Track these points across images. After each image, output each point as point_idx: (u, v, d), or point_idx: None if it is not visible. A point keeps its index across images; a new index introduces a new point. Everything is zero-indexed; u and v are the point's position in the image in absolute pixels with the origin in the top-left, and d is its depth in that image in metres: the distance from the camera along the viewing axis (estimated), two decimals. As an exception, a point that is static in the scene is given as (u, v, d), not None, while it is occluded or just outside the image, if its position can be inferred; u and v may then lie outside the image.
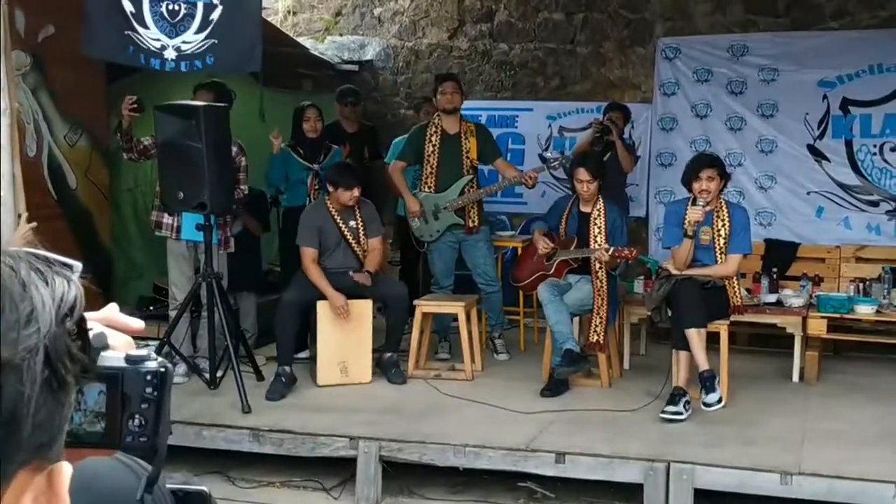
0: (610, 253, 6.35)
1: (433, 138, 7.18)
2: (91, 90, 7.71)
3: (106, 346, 0.87)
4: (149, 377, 0.88)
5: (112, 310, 0.94)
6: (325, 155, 7.36)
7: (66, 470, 0.69)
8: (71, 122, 7.53)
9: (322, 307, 6.53)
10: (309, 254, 6.56)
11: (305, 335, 7.02)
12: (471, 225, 7.18)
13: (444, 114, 7.20)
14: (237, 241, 7.02)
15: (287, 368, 6.45)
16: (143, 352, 0.89)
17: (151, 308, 7.49)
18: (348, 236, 6.66)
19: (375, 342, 6.71)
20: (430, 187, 7.23)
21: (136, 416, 0.88)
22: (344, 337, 6.55)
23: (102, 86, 7.88)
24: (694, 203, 6.20)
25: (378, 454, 5.51)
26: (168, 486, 1.07)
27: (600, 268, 6.45)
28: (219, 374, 6.37)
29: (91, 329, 0.85)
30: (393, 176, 7.39)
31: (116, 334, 0.90)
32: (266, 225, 7.95)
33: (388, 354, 6.71)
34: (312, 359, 6.82)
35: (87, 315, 0.88)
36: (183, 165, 5.97)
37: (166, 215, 6.60)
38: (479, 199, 7.22)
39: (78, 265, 0.73)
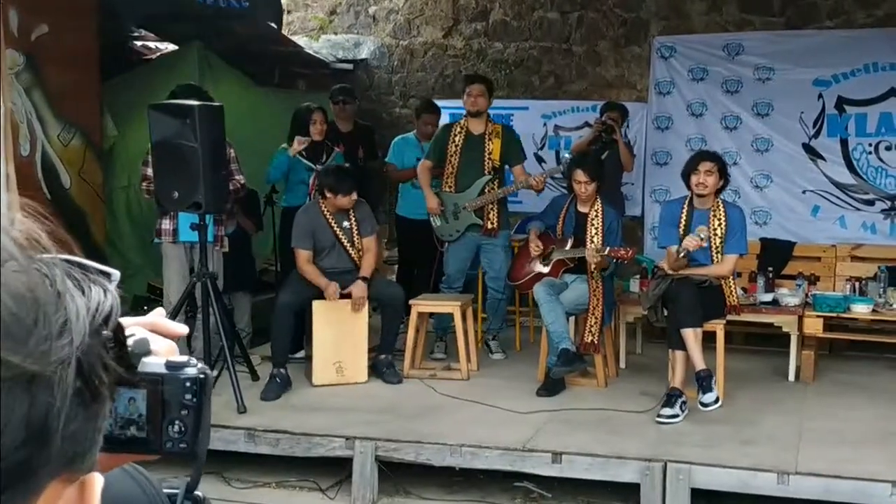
0: (606, 252, 6.33)
1: (457, 138, 7.18)
2: (85, 89, 7.68)
3: (148, 352, 0.87)
4: (188, 384, 0.88)
5: (158, 315, 0.94)
6: (328, 156, 7.33)
7: (98, 481, 0.69)
8: (64, 121, 7.49)
9: (317, 307, 6.51)
10: (303, 255, 6.54)
11: (301, 335, 6.99)
12: (489, 227, 7.15)
13: (470, 116, 7.18)
14: (231, 240, 7.00)
15: (283, 370, 6.43)
16: (184, 358, 0.89)
17: (146, 308, 7.36)
18: (342, 237, 6.63)
19: (371, 342, 6.69)
20: (450, 187, 7.22)
21: (177, 421, 0.88)
22: (340, 337, 6.54)
23: (96, 85, 7.84)
24: (690, 203, 6.19)
25: (374, 454, 5.50)
26: (165, 490, 1.06)
27: (595, 268, 6.43)
28: (214, 373, 6.35)
29: (133, 335, 0.85)
30: (420, 175, 7.38)
31: (160, 339, 0.90)
32: (259, 224, 7.93)
33: (383, 356, 6.69)
34: (308, 359, 6.80)
35: (133, 320, 0.90)
36: (178, 165, 5.94)
37: (165, 221, 6.59)
38: (497, 199, 7.18)
39: (116, 273, 0.72)
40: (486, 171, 7.15)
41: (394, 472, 5.59)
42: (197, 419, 0.89)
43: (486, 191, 7.14)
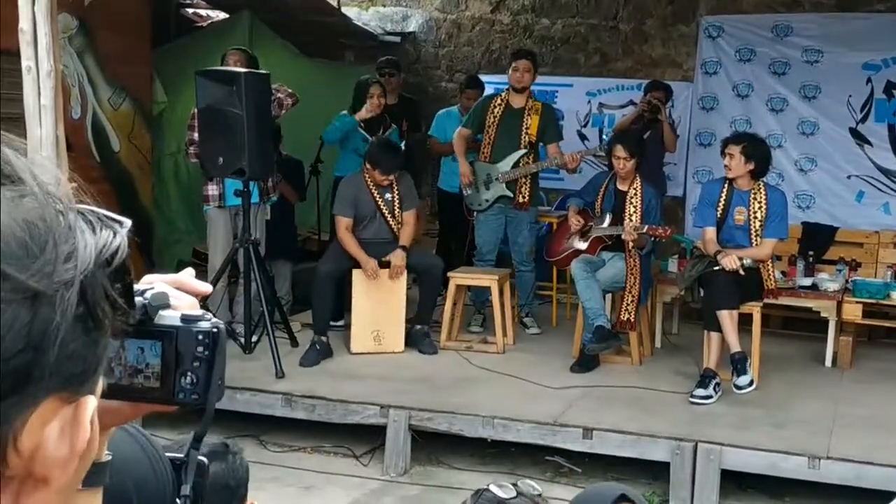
0: (644, 230, 6.34)
1: (496, 110, 7.20)
2: (136, 54, 7.78)
3: (166, 305, 0.91)
4: (200, 336, 0.91)
5: (186, 274, 0.99)
6: (384, 130, 7.38)
7: (91, 403, 0.73)
8: (115, 85, 7.60)
9: (357, 276, 6.59)
10: (343, 222, 6.61)
11: (342, 304, 7.08)
12: (521, 200, 7.18)
13: (513, 90, 7.19)
14: (273, 209, 7.09)
15: (324, 338, 6.52)
16: (200, 312, 0.92)
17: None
18: (383, 208, 6.69)
19: (409, 312, 6.76)
20: (485, 157, 7.25)
21: (189, 373, 0.91)
22: (378, 306, 6.61)
23: (147, 50, 7.95)
24: (731, 184, 6.17)
25: (408, 423, 5.58)
26: (168, 455, 1.11)
27: (633, 246, 6.45)
28: (254, 339, 6.46)
29: (152, 288, 0.91)
30: (455, 142, 7.39)
31: (182, 296, 0.94)
32: (303, 194, 8.01)
33: (419, 326, 6.76)
34: (347, 327, 6.89)
35: (159, 276, 0.95)
36: (223, 131, 6.03)
37: (211, 186, 6.68)
38: (531, 173, 7.20)
39: (128, 221, 0.77)
40: (521, 146, 7.17)
41: (427, 442, 5.67)
42: (208, 372, 0.92)
43: (520, 164, 7.16)
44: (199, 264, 7.53)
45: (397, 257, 6.56)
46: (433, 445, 5.69)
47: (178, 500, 1.04)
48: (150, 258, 7.85)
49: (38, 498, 0.69)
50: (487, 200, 7.22)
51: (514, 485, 1.94)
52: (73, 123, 6.95)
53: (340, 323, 7.10)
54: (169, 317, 0.91)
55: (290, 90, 6.79)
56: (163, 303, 0.91)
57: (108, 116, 7.57)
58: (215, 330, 0.92)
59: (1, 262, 0.64)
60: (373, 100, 7.26)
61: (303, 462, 5.67)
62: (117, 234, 0.74)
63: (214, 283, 6.50)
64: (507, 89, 7.30)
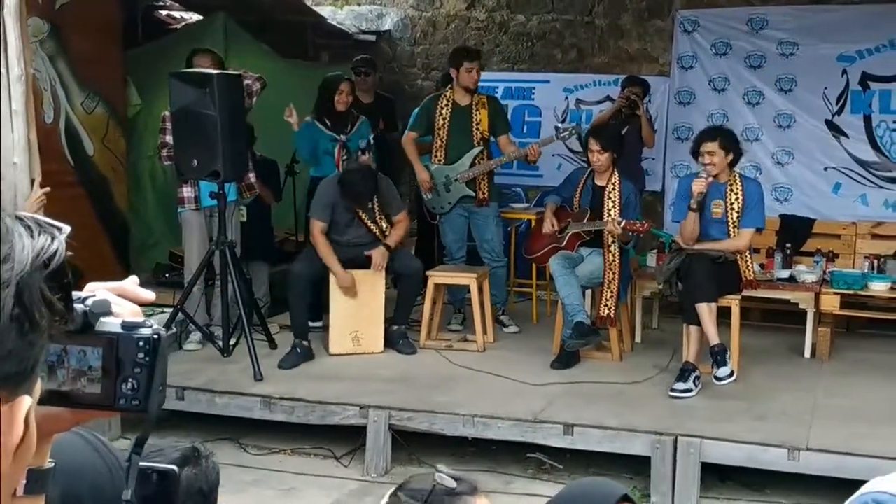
0: (622, 225, 6.34)
1: (444, 110, 7.17)
2: (108, 58, 7.72)
3: (108, 312, 0.91)
4: (141, 343, 0.91)
5: (129, 282, 0.98)
6: (353, 125, 7.33)
7: (26, 402, 0.73)
8: (88, 89, 7.54)
9: (335, 277, 6.55)
10: (318, 226, 6.55)
11: (319, 305, 7.05)
12: (481, 197, 7.17)
13: (464, 89, 7.16)
14: (249, 210, 7.05)
15: (304, 342, 6.48)
16: (140, 319, 0.93)
17: (167, 276, 7.54)
18: (363, 216, 6.64)
19: (387, 312, 6.74)
20: (440, 159, 7.22)
21: (130, 379, 0.91)
22: (357, 307, 6.59)
23: (120, 53, 7.89)
24: (700, 175, 6.18)
25: (388, 423, 5.56)
26: (141, 464, 1.08)
27: (613, 241, 6.44)
28: (232, 342, 6.43)
29: (94, 296, 0.90)
30: (405, 147, 7.38)
31: (125, 304, 0.94)
32: (279, 195, 7.97)
33: (396, 327, 6.73)
34: (325, 328, 6.86)
35: (101, 284, 0.94)
36: (197, 133, 6.00)
37: (186, 188, 6.64)
38: (489, 170, 7.21)
39: (67, 227, 0.77)
40: (475, 143, 7.16)
41: (407, 442, 5.65)
42: (149, 378, 0.92)
43: (476, 162, 7.15)
44: (176, 267, 7.50)
45: (379, 254, 6.53)
46: (414, 445, 5.67)
47: None
48: (127, 262, 7.79)
49: None
50: (450, 203, 7.21)
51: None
52: (46, 128, 6.89)
53: (319, 324, 7.07)
54: (110, 324, 0.91)
55: (255, 74, 6.74)
56: (104, 310, 0.91)
57: (82, 120, 7.51)
58: (156, 336, 0.92)
59: None
60: (341, 96, 7.22)
61: (283, 464, 5.65)
62: (55, 238, 0.74)
63: (191, 286, 6.47)
64: (451, 88, 7.25)
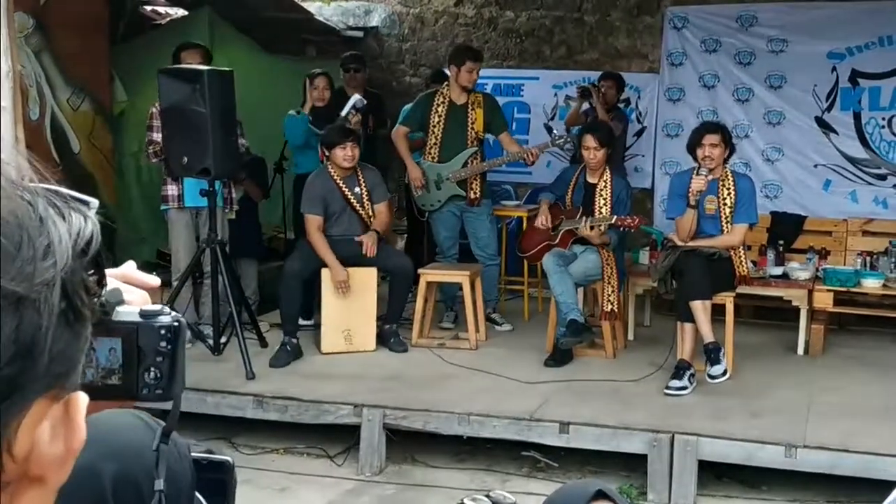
0: (613, 221, 6.31)
1: (440, 108, 7.11)
2: (94, 54, 7.65)
3: (121, 301, 0.89)
4: (163, 331, 0.90)
5: (129, 267, 0.96)
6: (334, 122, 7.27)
7: (82, 399, 0.71)
8: (74, 85, 7.47)
9: (327, 275, 6.50)
10: (314, 221, 6.50)
11: (310, 303, 6.99)
12: (472, 197, 7.13)
13: (461, 88, 7.11)
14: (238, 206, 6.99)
15: (293, 340, 6.43)
16: (157, 307, 0.91)
17: (155, 274, 7.45)
18: (353, 202, 6.60)
19: (379, 310, 6.69)
20: (433, 157, 7.17)
21: (152, 368, 0.90)
22: (348, 305, 6.53)
23: (105, 49, 7.82)
24: (698, 172, 6.15)
25: (382, 422, 5.51)
26: (193, 454, 1.08)
27: (595, 243, 6.44)
28: (222, 340, 6.36)
29: (106, 284, 0.85)
30: (396, 142, 7.31)
31: (132, 290, 0.92)
32: (266, 192, 7.91)
33: (388, 325, 6.68)
34: (317, 326, 6.80)
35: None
36: (187, 130, 5.92)
37: (170, 186, 6.57)
38: (482, 171, 7.16)
39: (94, 201, 0.74)
40: (469, 143, 7.10)
41: (401, 440, 5.60)
42: (172, 365, 0.90)
43: (469, 163, 7.10)
44: (164, 265, 7.42)
45: (370, 237, 6.49)
46: (408, 444, 5.63)
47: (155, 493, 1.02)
48: (114, 260, 7.68)
49: (32, 495, 0.67)
50: (440, 201, 7.16)
51: (488, 495, 1.90)
52: (32, 125, 6.81)
53: (310, 322, 7.01)
54: (127, 312, 0.89)
55: (247, 144, 6.79)
56: (118, 299, 0.88)
57: (68, 117, 7.44)
58: (176, 324, 0.90)
59: None
60: (316, 91, 7.18)
61: (276, 464, 5.59)
62: (88, 218, 0.71)
63: (180, 285, 6.40)
64: (447, 85, 7.20)
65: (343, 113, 7.03)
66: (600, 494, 1.88)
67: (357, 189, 6.62)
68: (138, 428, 1.03)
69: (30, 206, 0.66)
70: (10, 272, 0.62)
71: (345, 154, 6.47)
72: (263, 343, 6.62)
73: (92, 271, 0.71)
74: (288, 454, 5.72)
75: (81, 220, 0.70)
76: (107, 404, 0.91)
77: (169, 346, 0.90)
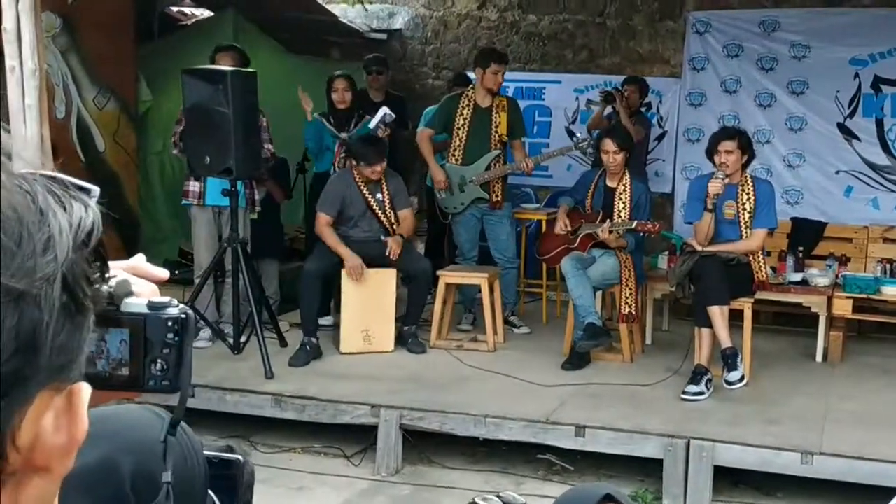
0: (633, 226, 6.33)
1: (465, 111, 7.15)
2: (121, 54, 7.73)
3: (130, 293, 0.89)
4: (170, 323, 0.90)
5: (139, 259, 0.96)
6: (356, 124, 7.33)
7: (85, 390, 0.71)
8: (100, 85, 7.55)
9: (346, 275, 6.54)
10: (323, 219, 6.55)
11: (328, 302, 7.03)
12: (495, 200, 7.16)
13: (487, 91, 7.14)
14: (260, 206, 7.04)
15: (313, 340, 6.47)
16: (165, 299, 0.91)
17: (177, 272, 7.50)
18: (374, 207, 6.65)
19: (398, 311, 6.72)
20: (457, 159, 7.21)
21: (159, 360, 0.90)
22: (368, 305, 6.57)
23: (132, 49, 7.89)
24: (715, 176, 6.16)
25: (399, 423, 5.54)
26: (205, 453, 1.09)
27: (613, 246, 6.45)
28: (243, 339, 6.41)
29: (115, 276, 0.88)
30: (420, 144, 7.36)
31: (141, 282, 0.92)
32: (289, 192, 7.97)
33: (407, 327, 6.72)
34: (336, 326, 6.84)
35: (114, 264, 0.90)
36: (210, 130, 5.97)
37: (192, 183, 6.62)
38: (505, 174, 7.19)
39: (95, 189, 0.73)
40: (493, 146, 7.15)
41: (418, 441, 5.63)
42: (179, 357, 0.91)
43: (493, 165, 7.13)
44: (186, 263, 7.49)
45: (395, 241, 6.55)
46: (424, 445, 5.66)
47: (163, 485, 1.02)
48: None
49: (38, 484, 0.68)
50: (463, 203, 7.20)
51: (499, 496, 1.92)
52: (58, 123, 6.89)
53: (328, 321, 7.05)
54: (135, 304, 0.90)
55: (272, 149, 6.79)
56: (126, 291, 0.89)
57: (93, 116, 7.52)
58: (184, 316, 0.91)
59: None
60: (337, 93, 7.24)
61: (293, 463, 5.63)
62: (88, 207, 0.70)
63: (202, 283, 6.45)
64: (473, 88, 7.23)
65: (371, 125, 7.08)
66: (609, 498, 1.90)
67: (379, 195, 6.66)
68: (154, 424, 1.04)
69: (29, 196, 0.65)
70: (11, 268, 0.62)
71: (373, 171, 6.54)
72: (283, 343, 6.66)
73: (94, 260, 0.71)
74: (305, 453, 5.76)
75: (82, 210, 0.69)
76: (114, 395, 0.92)
77: (176, 338, 0.90)
